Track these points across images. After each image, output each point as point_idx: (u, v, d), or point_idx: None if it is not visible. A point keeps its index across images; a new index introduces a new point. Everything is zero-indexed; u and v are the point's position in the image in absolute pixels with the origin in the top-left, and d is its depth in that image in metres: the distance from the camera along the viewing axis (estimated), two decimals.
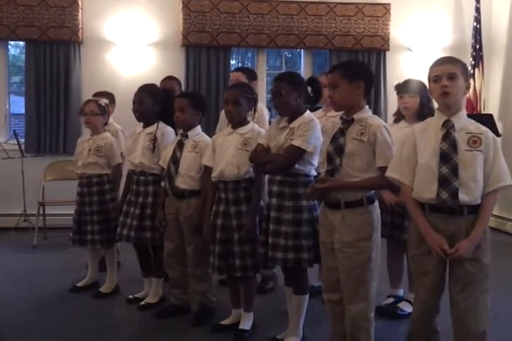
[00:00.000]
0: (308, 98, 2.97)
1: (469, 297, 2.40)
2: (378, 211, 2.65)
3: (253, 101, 3.22)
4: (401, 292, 3.68)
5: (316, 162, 2.82)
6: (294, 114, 2.91)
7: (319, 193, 2.65)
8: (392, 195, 3.37)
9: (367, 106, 2.67)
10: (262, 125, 3.97)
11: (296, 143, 2.81)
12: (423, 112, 3.45)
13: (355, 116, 2.61)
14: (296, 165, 2.85)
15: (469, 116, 2.55)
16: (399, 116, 3.65)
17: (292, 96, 2.88)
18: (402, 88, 3.58)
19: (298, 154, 2.82)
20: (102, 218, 3.91)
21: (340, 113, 2.71)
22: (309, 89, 2.95)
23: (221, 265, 3.14)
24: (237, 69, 4.51)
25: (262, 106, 4.34)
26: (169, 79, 4.58)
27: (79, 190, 4.00)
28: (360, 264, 2.56)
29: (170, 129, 3.64)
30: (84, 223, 3.93)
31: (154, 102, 3.63)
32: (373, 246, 2.58)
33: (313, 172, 2.87)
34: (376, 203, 2.65)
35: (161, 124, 3.64)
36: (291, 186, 2.88)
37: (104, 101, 4.04)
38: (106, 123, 4.13)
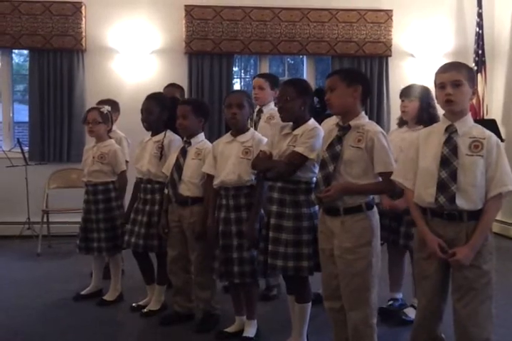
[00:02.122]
0: (315, 109, 2.97)
1: (469, 304, 2.38)
2: (377, 216, 2.65)
3: (252, 108, 3.24)
4: (400, 295, 3.69)
5: (317, 169, 2.80)
6: (297, 121, 2.92)
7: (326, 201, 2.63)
8: (388, 200, 3.38)
9: (363, 113, 2.67)
10: None
11: (299, 149, 2.81)
12: (422, 117, 3.47)
13: (352, 123, 2.61)
14: (298, 172, 2.85)
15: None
16: (402, 121, 3.68)
17: (296, 103, 2.88)
18: (403, 92, 3.63)
19: (300, 161, 2.81)
20: (108, 226, 3.91)
21: None
22: (316, 100, 2.95)
23: (221, 271, 3.14)
24: (260, 76, 4.40)
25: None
26: (170, 86, 4.59)
27: (85, 197, 4.00)
28: (360, 270, 2.55)
29: (177, 138, 3.64)
30: (91, 231, 3.93)
31: (162, 111, 3.63)
32: (373, 251, 2.58)
33: (314, 180, 2.85)
34: (375, 209, 2.65)
35: (169, 133, 3.64)
36: (292, 193, 2.87)
37: (106, 108, 4.03)
38: (110, 130, 4.13)
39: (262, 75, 4.45)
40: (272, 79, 4.29)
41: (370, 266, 2.56)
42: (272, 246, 2.89)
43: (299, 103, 2.89)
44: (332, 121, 3.55)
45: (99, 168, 3.93)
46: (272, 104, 4.19)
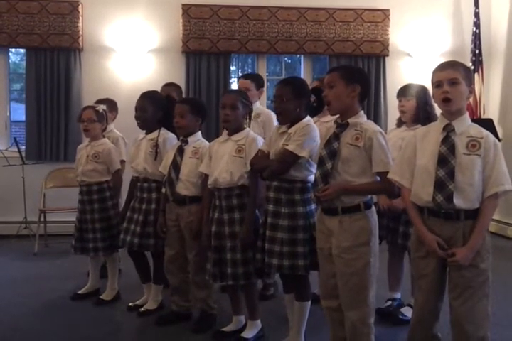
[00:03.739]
0: (311, 108, 2.95)
1: (466, 302, 2.39)
2: (375, 216, 2.65)
3: (248, 108, 3.22)
4: (399, 295, 3.70)
5: (314, 168, 2.79)
6: (293, 120, 2.91)
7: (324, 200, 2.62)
8: (386, 200, 3.38)
9: (362, 112, 2.65)
10: (270, 131, 3.94)
11: (290, 147, 2.79)
12: (419, 116, 3.47)
13: (350, 121, 2.60)
14: (292, 171, 2.84)
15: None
16: (400, 121, 3.68)
17: (293, 104, 2.86)
18: (400, 92, 3.63)
19: (291, 159, 2.80)
20: (104, 225, 3.90)
21: (334, 118, 2.71)
22: (313, 98, 2.93)
23: (215, 272, 3.14)
24: (245, 77, 4.39)
25: (270, 112, 4.32)
26: (167, 85, 4.59)
27: (79, 197, 3.99)
28: (358, 270, 2.55)
29: (172, 135, 3.64)
30: (86, 231, 3.92)
31: (156, 109, 3.62)
32: (371, 251, 2.57)
33: (311, 179, 2.84)
34: (373, 208, 2.65)
35: (163, 131, 3.63)
36: (287, 192, 2.87)
37: (101, 107, 4.02)
38: (104, 129, 4.12)
39: (247, 76, 4.42)
40: (256, 79, 4.31)
41: (368, 266, 2.56)
42: (268, 244, 2.89)
43: (296, 104, 2.86)
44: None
45: (94, 167, 3.92)
46: (257, 103, 4.25)
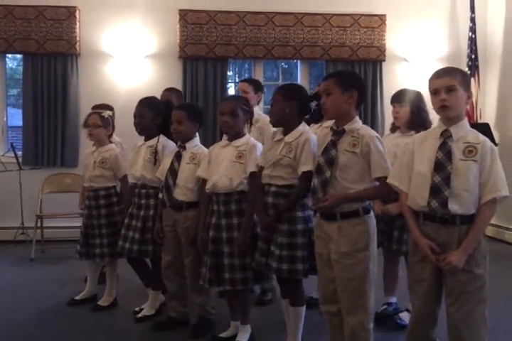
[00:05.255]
0: (314, 114, 2.96)
1: (462, 308, 2.39)
2: (374, 221, 2.65)
3: (249, 113, 3.23)
4: (394, 299, 3.69)
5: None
6: (287, 126, 2.93)
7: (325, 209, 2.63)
8: (380, 204, 3.38)
9: (357, 117, 2.66)
10: (267, 136, 3.96)
11: (306, 168, 2.79)
12: (414, 122, 3.47)
13: (346, 127, 2.61)
14: (293, 176, 2.86)
15: None
16: (394, 126, 3.68)
17: (282, 106, 2.89)
18: (393, 98, 3.63)
19: (310, 176, 2.77)
20: (111, 231, 3.87)
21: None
22: (313, 104, 2.93)
23: (211, 277, 3.13)
24: (244, 80, 4.60)
25: (267, 117, 4.33)
26: (166, 90, 4.60)
27: (86, 203, 3.97)
28: (357, 275, 2.55)
29: (171, 143, 3.62)
30: (92, 236, 3.90)
31: (155, 115, 3.62)
32: (370, 256, 2.58)
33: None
34: (372, 213, 2.65)
35: (162, 138, 3.62)
36: (286, 197, 2.87)
37: (107, 113, 4.03)
38: (110, 135, 4.11)
39: (246, 80, 4.68)
40: (255, 83, 4.45)
41: (367, 271, 2.56)
42: (271, 246, 2.90)
43: (285, 106, 2.89)
44: (314, 126, 3.54)
45: (101, 172, 3.91)
46: (257, 108, 4.27)
